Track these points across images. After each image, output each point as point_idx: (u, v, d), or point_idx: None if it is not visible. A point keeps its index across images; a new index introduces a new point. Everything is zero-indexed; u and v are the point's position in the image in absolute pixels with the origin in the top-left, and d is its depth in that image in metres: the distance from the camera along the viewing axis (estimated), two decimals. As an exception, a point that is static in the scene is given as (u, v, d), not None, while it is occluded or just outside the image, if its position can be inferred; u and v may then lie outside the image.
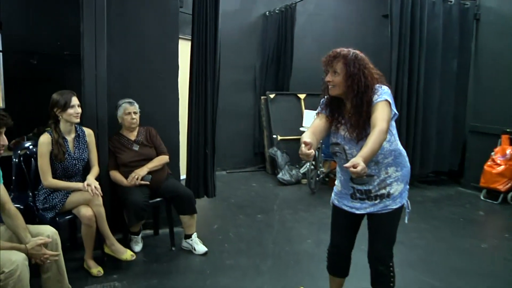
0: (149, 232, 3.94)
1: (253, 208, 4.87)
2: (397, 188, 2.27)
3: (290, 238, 4.07)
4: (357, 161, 1.85)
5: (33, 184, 3.22)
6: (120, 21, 3.67)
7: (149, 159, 3.53)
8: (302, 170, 6.17)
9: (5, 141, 2.32)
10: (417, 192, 5.41)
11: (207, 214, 4.58)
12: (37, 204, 3.11)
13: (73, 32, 4.81)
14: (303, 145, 2.00)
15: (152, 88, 3.86)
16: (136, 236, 3.59)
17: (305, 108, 6.64)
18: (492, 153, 5.04)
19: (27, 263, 2.20)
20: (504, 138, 5.01)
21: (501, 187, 4.90)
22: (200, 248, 3.57)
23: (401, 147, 2.30)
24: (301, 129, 6.44)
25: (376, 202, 2.28)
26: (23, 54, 4.32)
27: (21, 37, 4.38)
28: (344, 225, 2.46)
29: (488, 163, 5.04)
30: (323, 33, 6.97)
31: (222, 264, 3.39)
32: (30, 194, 3.21)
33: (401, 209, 2.30)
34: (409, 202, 2.35)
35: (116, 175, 3.47)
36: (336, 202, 2.45)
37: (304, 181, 6.01)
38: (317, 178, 5.60)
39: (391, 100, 2.15)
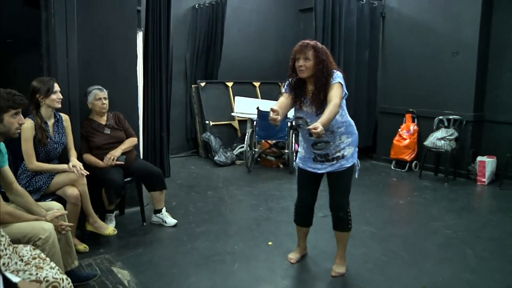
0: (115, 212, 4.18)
1: (200, 187, 5.29)
2: (349, 151, 2.90)
3: (243, 208, 4.59)
4: (317, 125, 2.41)
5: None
6: (81, 10, 3.81)
7: (120, 142, 3.78)
8: (236, 152, 6.69)
9: (22, 120, 2.50)
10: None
11: (162, 194, 4.90)
12: (18, 188, 3.22)
13: (12, 20, 4.78)
14: (271, 112, 2.54)
15: (113, 75, 4.04)
16: (110, 214, 3.83)
17: (233, 95, 7.16)
18: (399, 130, 6.05)
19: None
20: (408, 116, 6.04)
21: (407, 157, 5.93)
22: (171, 220, 3.93)
23: (350, 119, 2.93)
24: (233, 114, 6.97)
25: (334, 163, 2.89)
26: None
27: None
28: (308, 183, 3.06)
29: (396, 138, 6.04)
30: (247, 26, 7.53)
31: (194, 232, 3.79)
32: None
33: (353, 167, 2.94)
34: (358, 161, 3.00)
35: (90, 158, 3.67)
36: (301, 165, 3.04)
37: (238, 162, 6.54)
38: (252, 158, 6.18)
39: (343, 82, 2.75)
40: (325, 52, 2.77)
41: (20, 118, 2.47)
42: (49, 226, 2.40)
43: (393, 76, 6.31)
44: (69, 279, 1.93)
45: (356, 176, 3.04)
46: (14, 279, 1.51)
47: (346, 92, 2.79)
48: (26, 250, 2.07)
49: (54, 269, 1.94)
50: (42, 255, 2.07)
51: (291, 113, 5.89)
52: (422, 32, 5.88)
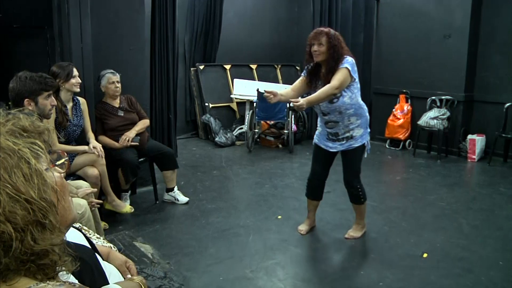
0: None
1: (205, 166, 5.49)
2: (358, 132, 3.12)
3: (249, 185, 4.81)
4: (298, 99, 2.79)
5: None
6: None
7: (133, 123, 3.94)
8: (235, 133, 6.89)
9: (54, 101, 2.66)
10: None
11: (169, 174, 5.09)
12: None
13: (18, 6, 4.86)
14: (265, 93, 2.93)
15: (123, 59, 4.17)
16: (126, 194, 4.01)
17: (231, 78, 7.31)
18: (393, 110, 6.29)
19: (88, 206, 2.63)
20: (402, 97, 6.28)
21: (401, 136, 6.20)
22: (183, 198, 4.13)
23: (361, 102, 3.13)
24: (232, 96, 7.15)
25: (343, 142, 3.13)
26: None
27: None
28: (322, 159, 3.30)
29: (390, 118, 6.28)
30: (242, 9, 7.63)
31: (206, 209, 4.00)
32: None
33: (362, 147, 3.16)
34: (369, 142, 3.21)
35: (105, 139, 3.83)
36: (316, 141, 3.29)
37: (238, 142, 6.73)
38: (253, 138, 6.39)
39: (350, 67, 2.94)
40: (337, 38, 2.99)
41: (52, 100, 2.65)
42: (84, 202, 2.59)
43: (387, 58, 6.51)
44: (115, 247, 2.13)
45: (365, 155, 3.27)
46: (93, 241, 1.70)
47: (355, 77, 2.98)
48: (70, 223, 2.26)
49: (100, 238, 2.13)
50: (85, 227, 2.27)
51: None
52: (415, 15, 6.09)
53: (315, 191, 3.42)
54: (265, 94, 2.93)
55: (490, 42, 5.62)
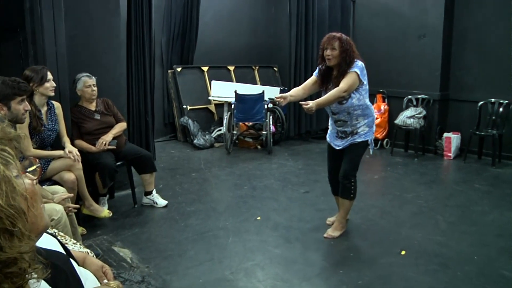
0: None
1: (183, 169, 5.45)
2: (363, 129, 3.22)
3: (228, 187, 4.80)
4: (308, 102, 2.95)
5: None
6: (65, -1, 3.86)
7: (110, 127, 3.88)
8: (214, 134, 6.87)
9: (28, 106, 2.61)
10: (315, 146, 6.60)
11: (148, 177, 5.03)
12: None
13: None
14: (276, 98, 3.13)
15: (99, 63, 4.12)
16: (103, 198, 3.96)
17: (209, 79, 7.29)
18: (370, 109, 6.37)
19: (65, 212, 2.59)
20: (379, 97, 6.37)
21: (379, 135, 6.27)
22: (161, 201, 4.10)
23: (368, 103, 3.24)
24: (210, 98, 7.12)
25: (348, 138, 3.23)
26: None
27: None
28: (332, 156, 3.44)
29: (368, 117, 6.35)
30: (219, 10, 7.62)
31: (185, 211, 3.98)
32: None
33: (364, 143, 3.25)
34: (372, 141, 3.30)
35: (82, 143, 3.77)
36: (327, 139, 3.43)
37: (217, 144, 6.72)
38: (231, 140, 6.38)
39: (359, 72, 3.07)
40: (349, 42, 3.12)
41: (26, 105, 2.59)
42: (60, 208, 2.55)
43: (364, 58, 6.45)
44: (93, 252, 2.10)
45: (371, 153, 3.57)
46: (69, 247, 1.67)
47: (363, 80, 3.12)
48: (45, 229, 2.22)
49: (76, 244, 2.10)
50: (61, 233, 2.23)
51: (267, 96, 6.14)
52: (391, 16, 6.19)
53: (332, 186, 3.55)
54: (276, 99, 3.13)
55: (464, 41, 5.75)
